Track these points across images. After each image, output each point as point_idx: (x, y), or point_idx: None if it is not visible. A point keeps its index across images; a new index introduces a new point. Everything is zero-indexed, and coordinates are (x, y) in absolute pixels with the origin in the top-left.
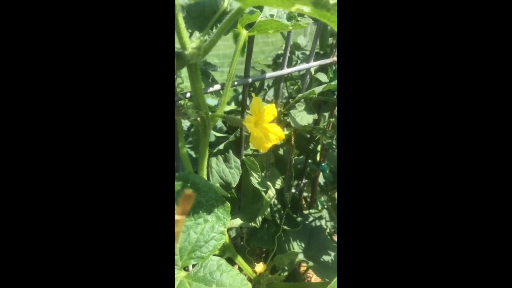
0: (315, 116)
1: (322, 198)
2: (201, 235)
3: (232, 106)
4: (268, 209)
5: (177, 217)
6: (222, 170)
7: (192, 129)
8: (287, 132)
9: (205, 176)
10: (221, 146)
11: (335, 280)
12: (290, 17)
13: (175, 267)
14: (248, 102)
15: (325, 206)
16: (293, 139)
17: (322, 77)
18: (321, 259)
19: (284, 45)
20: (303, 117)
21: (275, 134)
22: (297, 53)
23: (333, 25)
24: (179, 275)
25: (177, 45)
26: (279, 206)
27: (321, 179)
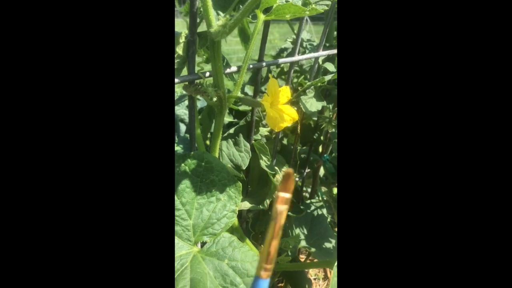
0: (324, 103)
1: (323, 189)
2: (214, 213)
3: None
4: None
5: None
6: (232, 153)
7: (199, 116)
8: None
9: (217, 156)
10: (231, 130)
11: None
12: (305, 3)
13: (188, 242)
14: (250, 89)
15: (325, 198)
16: (299, 128)
17: (329, 66)
18: (323, 246)
19: (286, 40)
20: (312, 104)
21: (289, 115)
22: (304, 43)
23: None
24: (192, 250)
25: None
26: None
27: (321, 173)
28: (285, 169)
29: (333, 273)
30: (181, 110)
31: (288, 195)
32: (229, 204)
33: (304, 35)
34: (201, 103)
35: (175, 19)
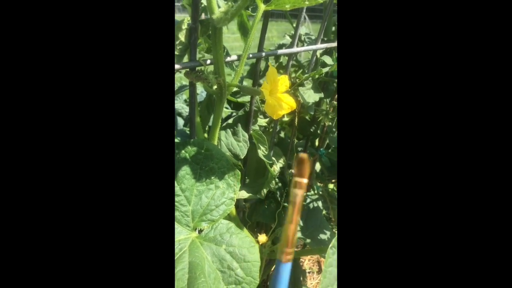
0: (321, 95)
1: (318, 184)
2: (212, 200)
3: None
4: (274, 182)
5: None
6: (231, 143)
7: (198, 108)
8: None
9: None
10: (230, 121)
11: (335, 238)
12: None
13: (187, 228)
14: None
15: (320, 192)
16: (296, 121)
17: (327, 59)
18: (318, 237)
19: (285, 35)
20: (310, 95)
21: (288, 104)
22: (303, 37)
23: None
24: (191, 235)
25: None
26: (280, 184)
27: (317, 168)
28: (300, 154)
29: (324, 263)
30: (178, 104)
31: (304, 180)
32: (227, 192)
33: (303, 30)
34: (199, 97)
35: (176, 14)
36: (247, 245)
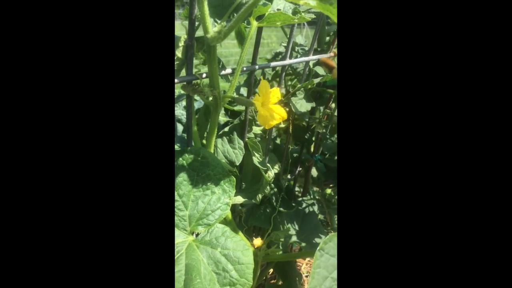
0: (313, 104)
1: (315, 188)
2: (208, 205)
3: (234, 95)
4: (268, 188)
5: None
6: (227, 150)
7: (197, 116)
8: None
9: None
10: (226, 129)
11: (323, 241)
12: (295, 11)
13: (184, 232)
14: (243, 91)
15: (317, 197)
16: (291, 128)
17: (320, 70)
18: (313, 241)
19: (281, 44)
20: (302, 104)
21: (279, 114)
22: (297, 48)
23: (333, 17)
24: (188, 239)
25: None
26: (275, 189)
27: (313, 172)
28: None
29: (313, 265)
30: (178, 111)
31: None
32: (223, 197)
33: (299, 39)
34: (197, 104)
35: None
36: (241, 248)
